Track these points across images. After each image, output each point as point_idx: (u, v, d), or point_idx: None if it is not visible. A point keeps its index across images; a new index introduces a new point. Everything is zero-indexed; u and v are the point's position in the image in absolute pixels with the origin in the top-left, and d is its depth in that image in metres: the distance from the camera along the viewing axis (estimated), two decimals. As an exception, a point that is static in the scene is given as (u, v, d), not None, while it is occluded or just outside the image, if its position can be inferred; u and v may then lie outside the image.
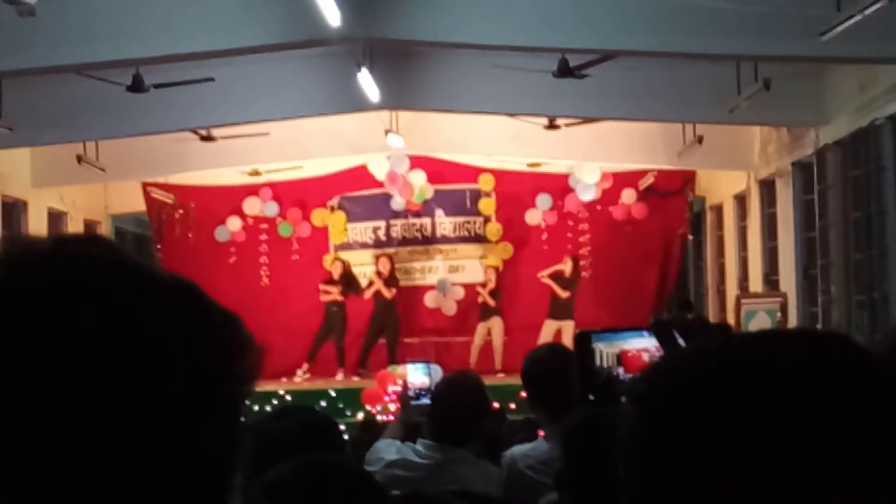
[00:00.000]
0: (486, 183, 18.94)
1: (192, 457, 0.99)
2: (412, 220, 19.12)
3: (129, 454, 0.95)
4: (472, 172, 18.87)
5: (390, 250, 18.68)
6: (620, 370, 2.39)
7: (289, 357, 16.80)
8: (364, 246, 19.09)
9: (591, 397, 2.43)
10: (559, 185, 18.60)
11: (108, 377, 0.95)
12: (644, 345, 2.34)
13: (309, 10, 9.68)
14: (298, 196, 18.96)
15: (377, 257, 18.31)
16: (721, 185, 18.39)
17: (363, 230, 19.16)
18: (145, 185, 18.69)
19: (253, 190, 18.92)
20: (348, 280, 17.94)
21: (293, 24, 10.47)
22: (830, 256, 13.55)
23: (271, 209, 18.95)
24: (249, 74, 12.74)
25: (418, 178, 18.48)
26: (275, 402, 13.23)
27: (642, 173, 18.25)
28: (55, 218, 17.35)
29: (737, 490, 1.00)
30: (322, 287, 17.85)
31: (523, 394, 4.73)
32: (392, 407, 12.91)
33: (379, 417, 13.48)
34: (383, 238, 19.11)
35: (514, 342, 16.67)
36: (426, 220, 19.14)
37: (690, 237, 19.63)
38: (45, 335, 0.95)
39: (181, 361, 0.98)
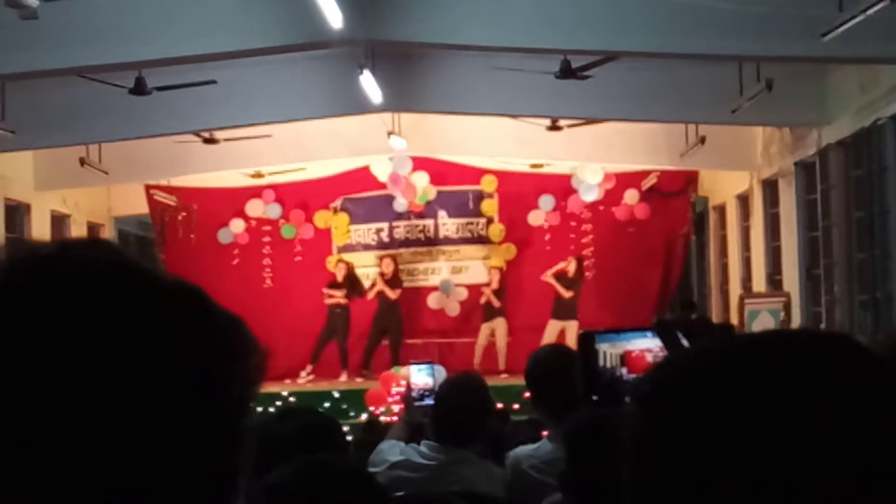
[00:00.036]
0: (488, 184, 18.95)
1: (195, 459, 0.99)
2: (415, 222, 19.12)
3: (131, 456, 0.95)
4: (475, 174, 18.87)
5: (393, 252, 18.69)
6: (624, 371, 2.39)
7: (292, 358, 16.81)
8: (367, 247, 19.09)
9: (595, 398, 2.43)
10: (562, 186, 18.59)
11: (111, 379, 0.95)
12: (647, 345, 2.33)
13: (311, 13, 9.69)
14: (301, 198, 18.97)
15: (381, 258, 18.32)
16: (724, 185, 18.39)
17: (366, 232, 19.16)
18: (148, 188, 18.69)
19: (256, 192, 18.92)
20: (352, 282, 17.94)
21: (295, 27, 10.47)
22: (833, 256, 13.54)
23: (274, 211, 18.95)
24: (252, 77, 12.75)
25: (421, 180, 18.48)
26: (278, 403, 13.22)
27: (645, 174, 18.25)
28: (58, 221, 17.37)
29: (740, 490, 1.00)
30: (326, 291, 17.85)
31: (527, 394, 4.72)
32: (395, 408, 12.92)
33: (382, 418, 13.47)
34: (386, 239, 19.12)
35: (518, 343, 16.67)
36: (429, 222, 19.14)
37: (693, 237, 19.62)
38: (48, 338, 0.95)
39: (184, 364, 0.99)
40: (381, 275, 17.94)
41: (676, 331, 1.78)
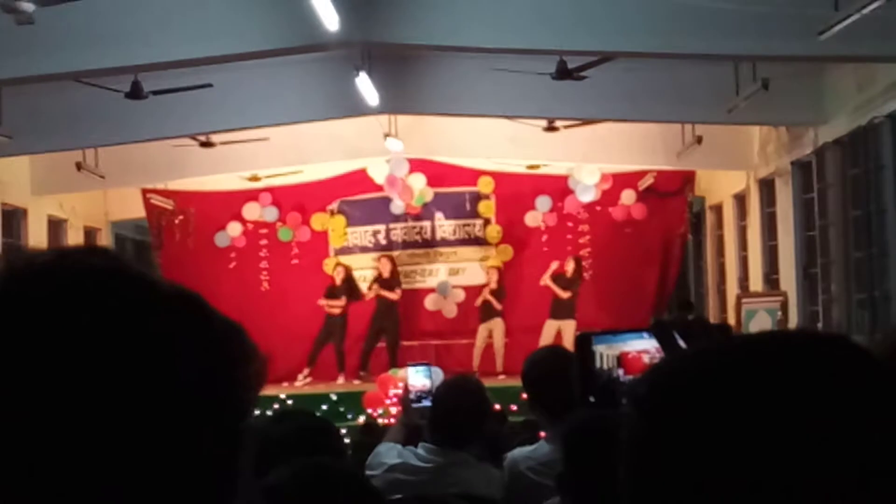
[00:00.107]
0: (485, 185, 18.95)
1: (192, 464, 0.99)
2: (412, 224, 19.12)
3: (129, 461, 0.95)
4: (472, 175, 18.88)
5: (390, 253, 18.69)
6: (621, 372, 2.39)
7: (290, 361, 16.83)
8: (364, 250, 19.10)
9: (592, 399, 2.43)
10: (559, 187, 18.60)
11: (109, 385, 0.95)
12: (644, 346, 2.34)
13: (307, 15, 9.69)
14: (298, 200, 18.97)
15: (378, 258, 18.32)
16: (720, 184, 18.40)
17: (363, 234, 19.16)
18: (145, 192, 18.69)
19: (252, 195, 18.92)
20: (350, 287, 17.88)
21: (291, 30, 10.47)
22: (830, 255, 13.55)
23: (271, 214, 18.95)
24: (248, 80, 12.74)
25: (418, 182, 18.48)
26: (276, 406, 13.23)
27: (642, 174, 18.26)
28: (55, 225, 17.35)
29: (737, 491, 1.00)
30: (325, 302, 17.74)
31: (524, 395, 4.72)
32: (393, 410, 12.92)
33: (380, 421, 13.48)
34: (383, 241, 19.12)
35: (515, 344, 16.68)
36: (426, 224, 19.15)
37: (690, 237, 19.63)
38: (46, 344, 0.95)
39: (182, 370, 0.99)
40: (379, 275, 17.93)
41: (673, 332, 1.78)
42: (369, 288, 17.96)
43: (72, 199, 17.61)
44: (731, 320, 15.75)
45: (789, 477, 1.00)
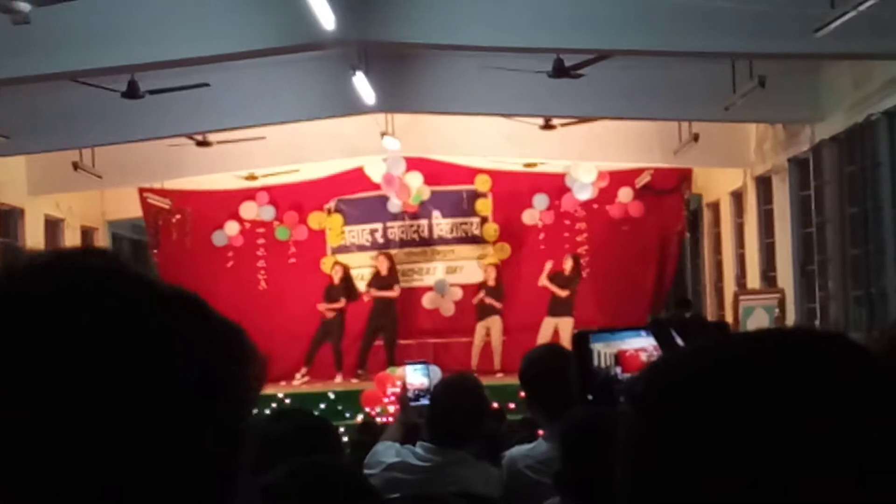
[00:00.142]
0: (482, 184, 18.95)
1: (192, 464, 0.99)
2: (409, 222, 19.11)
3: (129, 461, 0.96)
4: (469, 173, 18.88)
5: (388, 251, 18.68)
6: (618, 370, 2.39)
7: (287, 360, 16.82)
8: (361, 248, 19.09)
9: (590, 397, 2.43)
10: (556, 185, 18.59)
11: (108, 386, 0.96)
12: (642, 344, 2.34)
13: (303, 14, 9.68)
14: (295, 199, 18.96)
15: (376, 256, 18.31)
16: (717, 182, 18.40)
17: (360, 233, 19.15)
18: (142, 191, 18.67)
19: (249, 194, 18.91)
20: (348, 287, 17.86)
21: (288, 29, 10.47)
22: (827, 252, 13.56)
23: (268, 213, 18.94)
24: (244, 79, 12.74)
25: (415, 180, 18.47)
26: (274, 405, 13.23)
27: (639, 172, 18.25)
28: (52, 225, 17.34)
29: (735, 489, 1.00)
30: (324, 307, 17.70)
31: (522, 394, 4.72)
32: (391, 409, 12.91)
33: (378, 419, 13.48)
34: (381, 240, 19.11)
35: (513, 342, 16.67)
36: (423, 222, 19.14)
37: (687, 235, 19.63)
38: (46, 344, 0.96)
39: (181, 370, 0.99)
40: (377, 272, 17.91)
41: (671, 330, 1.78)
42: (367, 287, 17.94)
43: (68, 199, 17.60)
44: (729, 318, 15.76)
45: (787, 475, 1.00)
